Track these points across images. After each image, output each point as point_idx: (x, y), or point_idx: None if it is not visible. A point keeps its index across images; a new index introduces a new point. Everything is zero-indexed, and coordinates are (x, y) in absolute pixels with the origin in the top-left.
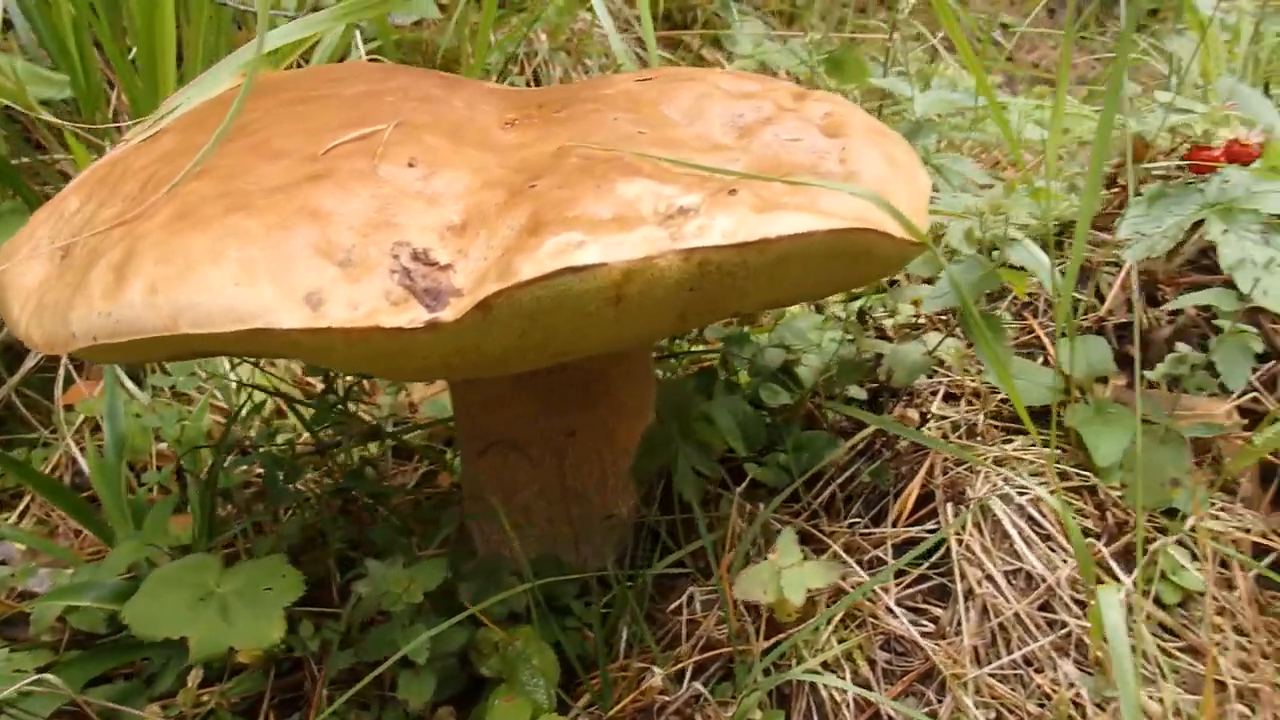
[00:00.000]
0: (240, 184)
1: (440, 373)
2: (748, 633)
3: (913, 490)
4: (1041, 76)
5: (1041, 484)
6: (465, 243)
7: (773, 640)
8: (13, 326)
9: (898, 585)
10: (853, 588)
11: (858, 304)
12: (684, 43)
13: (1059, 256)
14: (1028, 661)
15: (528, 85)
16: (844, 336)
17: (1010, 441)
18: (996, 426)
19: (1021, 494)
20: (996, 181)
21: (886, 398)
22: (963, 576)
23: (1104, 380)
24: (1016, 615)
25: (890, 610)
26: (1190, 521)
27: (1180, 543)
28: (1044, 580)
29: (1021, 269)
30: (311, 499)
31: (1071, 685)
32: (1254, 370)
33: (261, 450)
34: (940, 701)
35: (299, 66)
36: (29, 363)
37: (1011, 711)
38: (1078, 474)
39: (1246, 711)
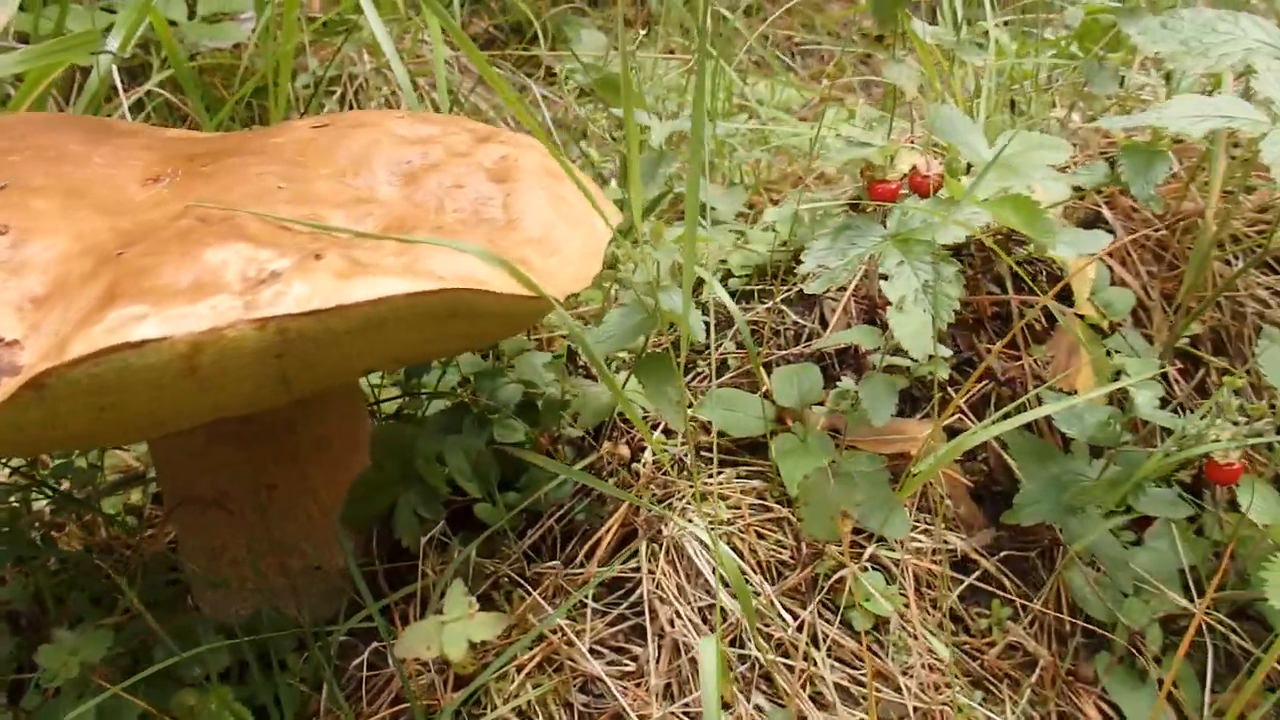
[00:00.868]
0: None
1: (39, 447)
2: (435, 685)
3: (612, 528)
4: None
5: (753, 515)
6: (41, 316)
7: (461, 691)
8: None
9: (603, 624)
10: (550, 632)
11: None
12: (535, 58)
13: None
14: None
15: (351, 107)
16: (552, 376)
17: (718, 474)
18: (707, 459)
19: (714, 529)
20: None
21: (607, 433)
22: (654, 616)
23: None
24: None
25: (585, 653)
26: (871, 549)
27: (883, 567)
28: (735, 614)
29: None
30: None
31: (763, 715)
32: (964, 391)
33: None
34: None
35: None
36: None
37: None
38: (778, 506)
39: None
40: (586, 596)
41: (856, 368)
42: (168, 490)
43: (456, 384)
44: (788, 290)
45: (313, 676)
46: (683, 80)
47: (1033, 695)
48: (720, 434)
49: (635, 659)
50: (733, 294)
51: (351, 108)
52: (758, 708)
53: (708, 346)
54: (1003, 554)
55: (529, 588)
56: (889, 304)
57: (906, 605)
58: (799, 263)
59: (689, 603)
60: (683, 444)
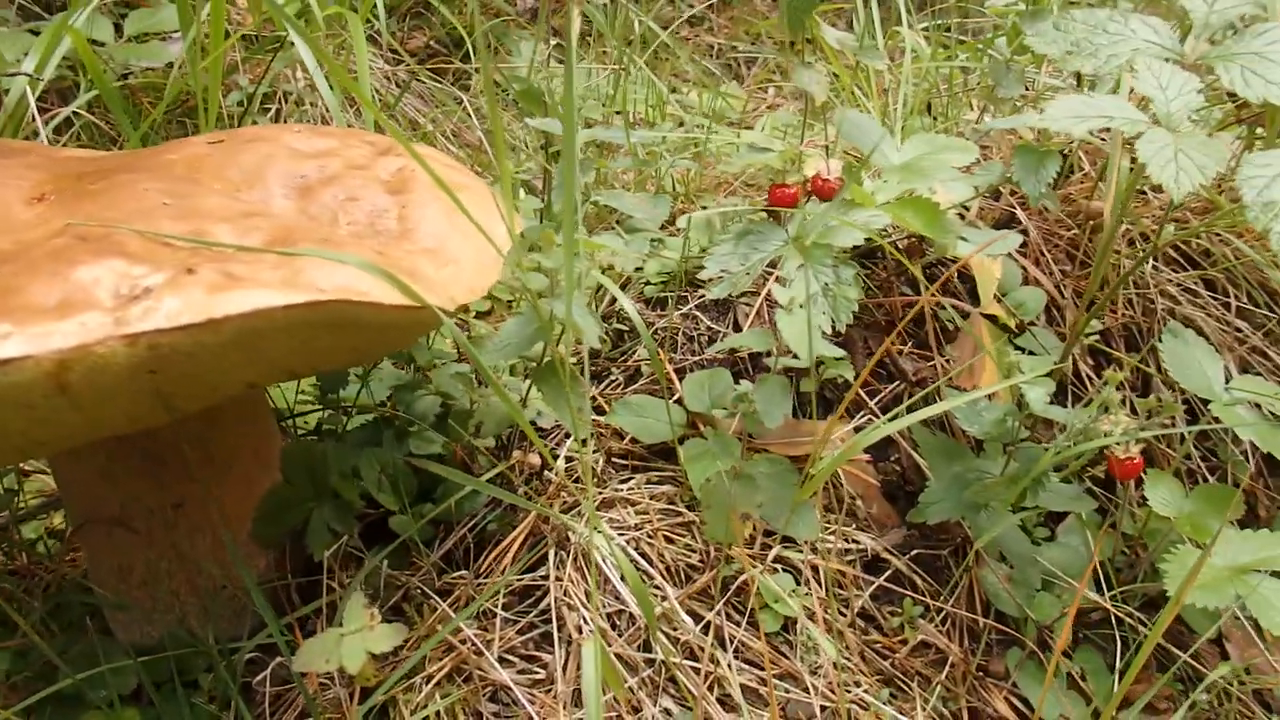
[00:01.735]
0: None
1: None
2: (341, 699)
3: (519, 538)
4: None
5: (659, 520)
6: None
7: (366, 705)
8: None
9: (514, 633)
10: (460, 641)
11: None
12: (476, 71)
13: (694, 292)
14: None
15: (285, 123)
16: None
17: (628, 480)
18: (618, 464)
19: (623, 533)
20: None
21: (516, 441)
22: (561, 623)
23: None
24: (618, 656)
25: (494, 662)
26: (775, 550)
27: (793, 569)
28: (642, 619)
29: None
30: None
31: (670, 718)
32: (874, 393)
33: None
34: None
35: None
36: None
37: None
38: (687, 510)
39: None
40: (496, 605)
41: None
42: (72, 510)
43: (386, 398)
44: (701, 296)
45: (222, 695)
46: (610, 90)
47: (944, 692)
48: (632, 440)
49: (545, 666)
50: (649, 301)
51: (285, 123)
52: (665, 710)
53: (622, 354)
54: (914, 553)
55: (439, 599)
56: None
57: (815, 606)
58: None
59: (597, 609)
60: (594, 451)
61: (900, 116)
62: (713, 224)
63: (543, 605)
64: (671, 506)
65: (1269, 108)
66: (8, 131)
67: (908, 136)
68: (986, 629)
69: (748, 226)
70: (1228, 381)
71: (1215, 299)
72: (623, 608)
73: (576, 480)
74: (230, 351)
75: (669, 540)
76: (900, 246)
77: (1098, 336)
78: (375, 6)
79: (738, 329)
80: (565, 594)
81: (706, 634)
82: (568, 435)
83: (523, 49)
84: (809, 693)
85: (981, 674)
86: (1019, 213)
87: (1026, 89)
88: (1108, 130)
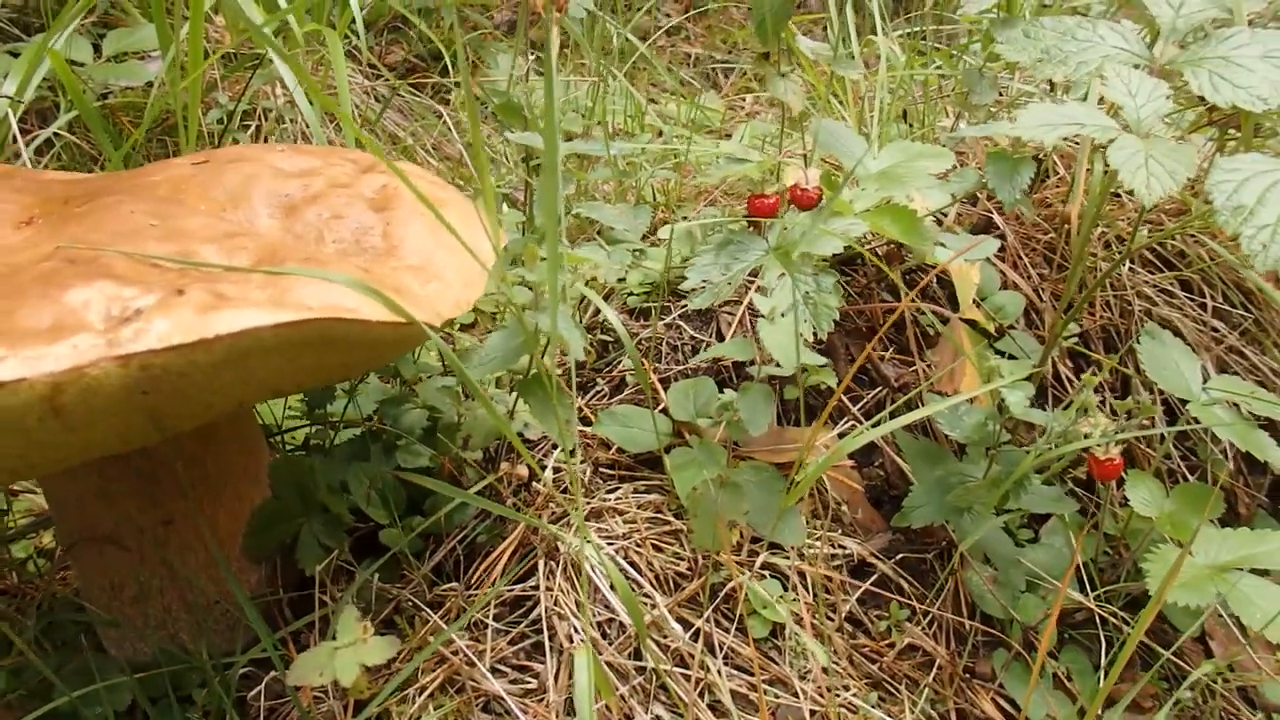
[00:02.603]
0: None
1: None
2: (335, 712)
3: (509, 549)
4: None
5: (647, 529)
6: None
7: (360, 717)
8: None
9: (505, 643)
10: (452, 653)
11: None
12: (455, 85)
13: (677, 302)
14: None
15: (265, 140)
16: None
17: (615, 490)
18: (605, 474)
19: (611, 543)
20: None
21: (504, 453)
22: (553, 633)
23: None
24: (609, 664)
25: (486, 672)
26: (763, 556)
27: (780, 575)
28: (632, 628)
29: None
30: None
31: None
32: (856, 399)
33: None
34: None
35: None
36: None
37: None
38: (675, 519)
39: None
40: (487, 616)
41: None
42: (64, 529)
43: (373, 412)
44: (684, 306)
45: (216, 710)
46: (589, 102)
47: (932, 694)
48: (619, 450)
49: (536, 676)
50: (632, 312)
51: (266, 140)
52: (657, 717)
53: (607, 365)
54: (899, 557)
55: (430, 611)
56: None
57: (808, 611)
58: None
59: (588, 618)
60: (581, 461)
61: (876, 124)
62: (694, 235)
63: (533, 615)
64: (659, 515)
65: (1239, 112)
66: None
67: (884, 144)
68: (972, 631)
69: (728, 237)
70: (1205, 381)
71: (1191, 300)
72: (613, 616)
73: (564, 491)
74: (222, 371)
75: (657, 549)
76: (880, 253)
77: (1077, 339)
78: (353, 22)
79: (721, 338)
80: (556, 604)
81: (696, 641)
82: (555, 446)
83: (501, 62)
84: (798, 697)
85: (968, 675)
86: (996, 217)
87: (1000, 95)
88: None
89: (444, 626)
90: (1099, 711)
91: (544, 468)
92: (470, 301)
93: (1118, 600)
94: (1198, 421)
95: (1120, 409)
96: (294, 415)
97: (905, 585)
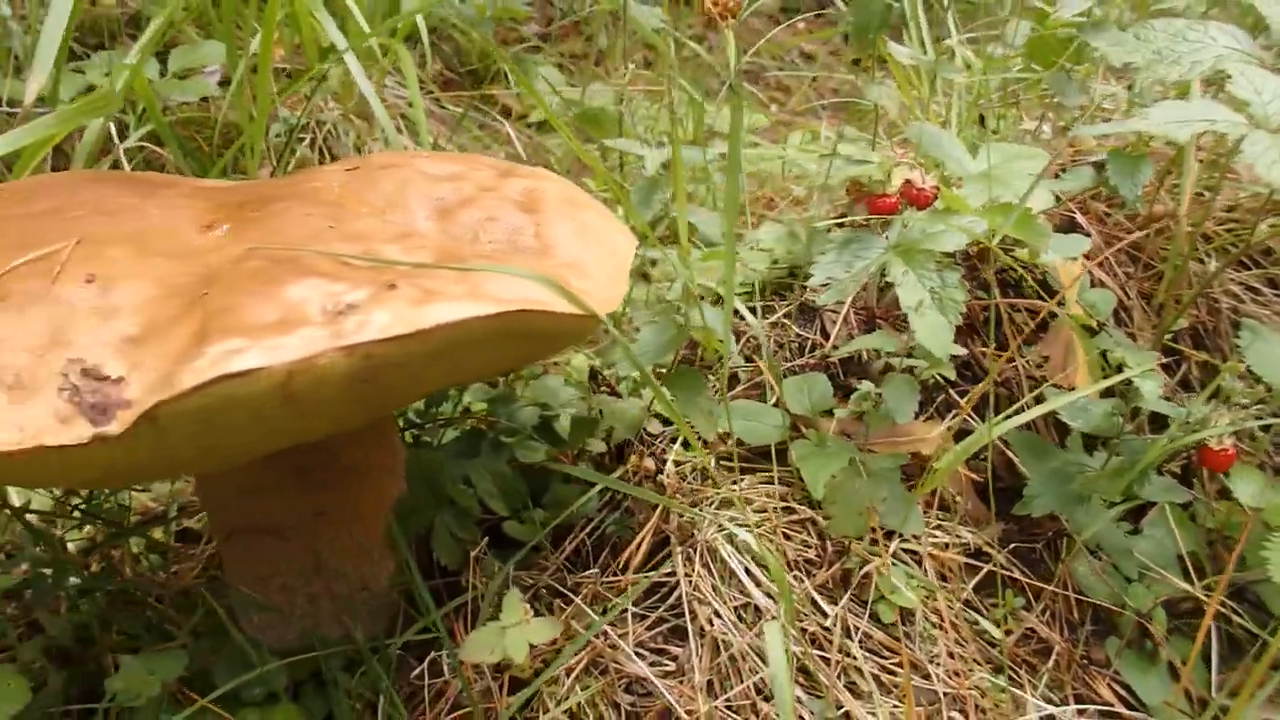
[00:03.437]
0: None
1: (143, 476)
2: (491, 690)
3: (646, 537)
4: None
5: (777, 518)
6: (141, 354)
7: (517, 695)
8: None
9: (643, 628)
10: (595, 637)
11: (588, 362)
12: (492, 98)
13: (780, 301)
14: (758, 690)
15: (323, 157)
16: (575, 395)
17: (740, 481)
18: (727, 468)
19: (746, 530)
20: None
21: (630, 448)
22: (693, 616)
23: (830, 414)
24: (746, 648)
25: (630, 654)
26: (894, 544)
27: (903, 562)
28: (769, 612)
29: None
30: (77, 596)
31: (802, 707)
32: (962, 393)
33: (26, 553)
34: None
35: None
36: None
37: None
38: (801, 507)
39: (958, 717)
40: (625, 601)
41: (861, 374)
42: (218, 521)
43: (483, 410)
44: (787, 306)
45: (367, 691)
46: (655, 110)
47: (1050, 679)
48: (736, 443)
49: (675, 659)
50: (735, 311)
51: (323, 154)
52: (797, 699)
53: (719, 360)
54: (1011, 546)
55: (571, 595)
56: (888, 313)
57: (929, 597)
58: (794, 278)
59: (725, 602)
60: (707, 453)
61: (956, 127)
62: (796, 234)
63: (670, 600)
64: (785, 504)
65: None
66: (86, 166)
67: (967, 147)
68: (1084, 618)
69: (849, 235)
70: None
71: (1278, 296)
72: (749, 600)
73: (687, 482)
74: (434, 361)
75: (786, 536)
76: (971, 253)
77: (1167, 335)
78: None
79: (824, 336)
80: (695, 589)
81: (833, 624)
82: (673, 441)
83: (541, 74)
84: (930, 679)
85: (1085, 662)
86: (1079, 217)
87: (1088, 98)
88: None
89: (588, 610)
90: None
91: (664, 462)
92: (618, 299)
93: (1219, 591)
94: None
95: (1251, 397)
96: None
97: (1018, 573)
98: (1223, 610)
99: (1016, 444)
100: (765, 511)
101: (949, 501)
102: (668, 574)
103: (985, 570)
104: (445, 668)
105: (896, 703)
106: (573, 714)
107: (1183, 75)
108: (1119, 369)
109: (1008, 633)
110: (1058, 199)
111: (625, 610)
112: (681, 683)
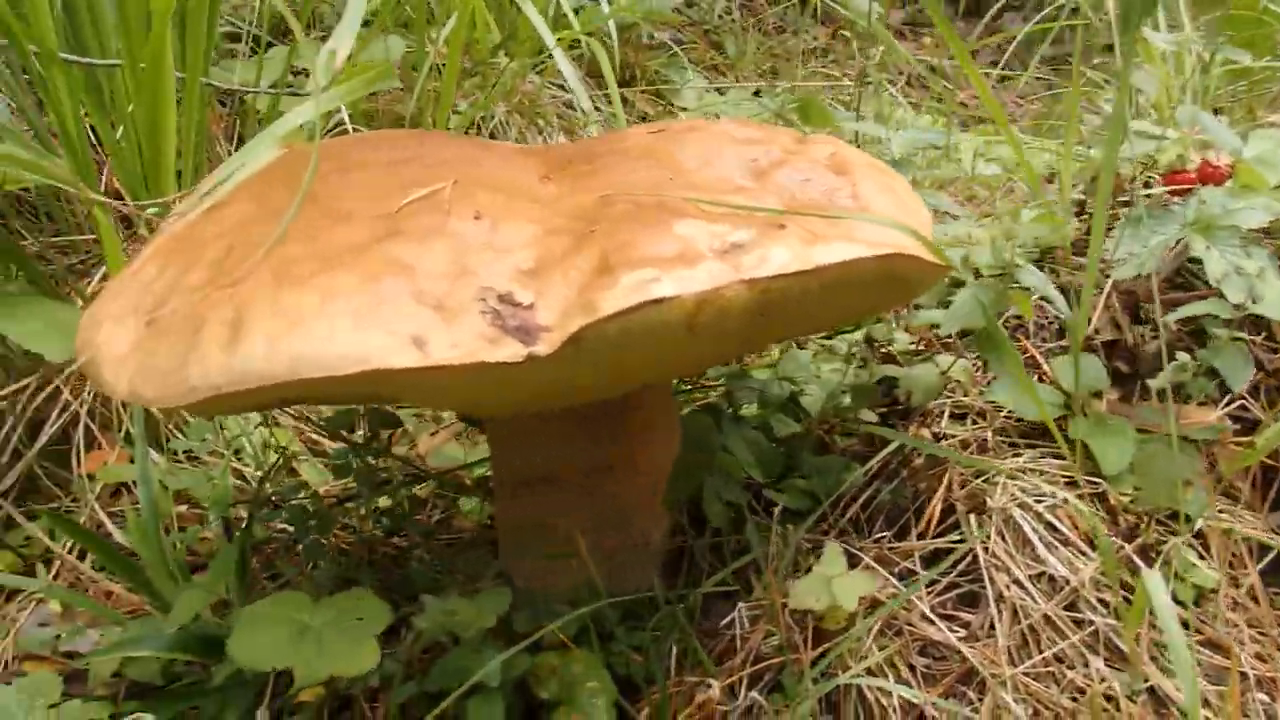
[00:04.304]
0: (323, 245)
1: (531, 404)
2: (796, 644)
3: (935, 504)
4: (979, 115)
5: (1064, 490)
6: (541, 285)
7: (820, 649)
8: (110, 390)
9: (929, 594)
10: (888, 598)
11: (859, 333)
12: (627, 100)
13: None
14: (1059, 659)
15: None
16: (852, 365)
17: (1020, 455)
18: (1004, 442)
19: (1039, 501)
20: (965, 215)
21: (896, 420)
22: (991, 581)
23: (1099, 395)
24: (1045, 616)
25: (925, 617)
26: (1198, 523)
27: (1189, 544)
28: (1068, 582)
29: (1027, 290)
30: (343, 548)
31: (1103, 680)
32: None
33: (290, 503)
34: (980, 700)
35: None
36: (45, 434)
37: (1048, 707)
38: (1086, 482)
39: (1266, 699)
40: (914, 566)
41: (1127, 358)
42: (504, 470)
43: (721, 385)
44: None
45: (648, 642)
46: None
47: None
48: (1006, 416)
49: (966, 625)
50: None
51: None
52: (1097, 670)
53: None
54: None
55: (860, 556)
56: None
57: (1225, 577)
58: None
59: (1022, 569)
60: (976, 428)
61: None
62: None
63: (961, 566)
64: (1067, 476)
65: None
66: None
67: None
68: None
69: (1142, 212)
70: None
71: None
72: (1044, 570)
73: (969, 451)
74: (819, 299)
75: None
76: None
77: None
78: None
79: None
80: (991, 555)
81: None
82: (939, 414)
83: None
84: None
85: None
86: None
87: None
88: None
89: (881, 571)
90: None
91: (939, 435)
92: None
93: None
94: None
95: None
96: None
97: None
98: None
99: None
100: (1056, 484)
101: (1231, 487)
102: (956, 540)
103: (1272, 555)
104: (745, 619)
105: (1202, 680)
106: (870, 672)
107: None
108: None
109: None
110: None
111: (915, 574)
112: (983, 647)
